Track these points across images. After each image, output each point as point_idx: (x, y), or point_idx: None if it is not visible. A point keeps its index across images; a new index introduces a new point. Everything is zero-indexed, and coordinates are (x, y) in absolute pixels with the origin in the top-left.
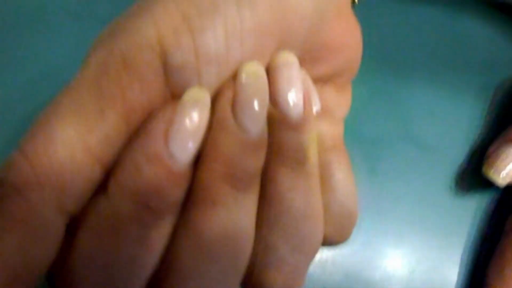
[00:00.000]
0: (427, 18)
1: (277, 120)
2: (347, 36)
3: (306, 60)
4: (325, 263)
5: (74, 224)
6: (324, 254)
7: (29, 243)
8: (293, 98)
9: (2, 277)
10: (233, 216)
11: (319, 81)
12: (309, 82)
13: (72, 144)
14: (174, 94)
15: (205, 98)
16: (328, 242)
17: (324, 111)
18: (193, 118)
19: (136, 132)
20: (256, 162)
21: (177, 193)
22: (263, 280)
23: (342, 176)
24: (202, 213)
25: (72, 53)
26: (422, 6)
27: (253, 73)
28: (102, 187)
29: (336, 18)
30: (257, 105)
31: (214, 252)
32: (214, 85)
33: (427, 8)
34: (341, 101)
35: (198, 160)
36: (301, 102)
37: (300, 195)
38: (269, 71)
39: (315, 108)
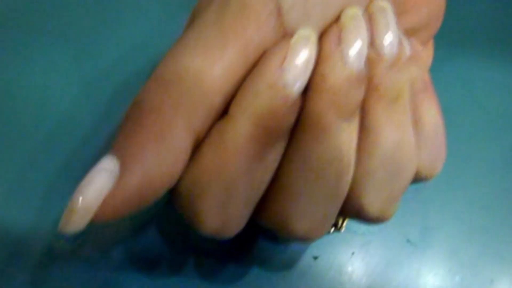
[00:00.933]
0: None
1: (375, 60)
2: None
3: (396, 12)
4: None
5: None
6: None
7: (164, 155)
8: (389, 40)
9: (141, 184)
10: (338, 141)
11: (405, 33)
12: (400, 29)
13: (200, 72)
14: (285, 35)
15: (313, 37)
16: (419, 176)
17: (414, 57)
18: (304, 54)
19: (253, 66)
20: (358, 95)
21: (290, 118)
22: (361, 204)
23: (432, 116)
24: (311, 138)
25: (160, 28)
26: None
27: (355, 15)
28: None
29: None
30: (360, 43)
31: (321, 173)
32: (319, 26)
33: None
34: (424, 54)
35: (306, 92)
36: (396, 44)
37: (395, 129)
38: (367, 16)
39: (407, 51)
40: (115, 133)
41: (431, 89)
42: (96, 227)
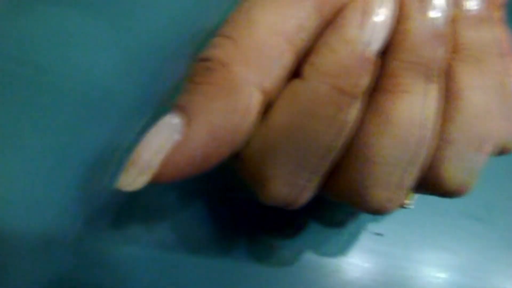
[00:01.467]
0: None
1: (458, 17)
2: None
3: None
4: None
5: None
6: None
7: (232, 111)
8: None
9: (207, 141)
10: (420, 104)
11: None
12: None
13: (272, 28)
14: None
15: None
16: (504, 148)
17: (495, 17)
18: (384, 10)
19: (329, 24)
20: (443, 53)
21: (367, 77)
22: (440, 173)
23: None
24: (392, 100)
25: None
26: None
27: None
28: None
29: None
30: (441, 1)
31: (401, 137)
32: None
33: None
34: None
35: (386, 51)
36: (481, 3)
37: (481, 93)
38: None
39: (490, 10)
40: (162, 104)
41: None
42: (141, 200)
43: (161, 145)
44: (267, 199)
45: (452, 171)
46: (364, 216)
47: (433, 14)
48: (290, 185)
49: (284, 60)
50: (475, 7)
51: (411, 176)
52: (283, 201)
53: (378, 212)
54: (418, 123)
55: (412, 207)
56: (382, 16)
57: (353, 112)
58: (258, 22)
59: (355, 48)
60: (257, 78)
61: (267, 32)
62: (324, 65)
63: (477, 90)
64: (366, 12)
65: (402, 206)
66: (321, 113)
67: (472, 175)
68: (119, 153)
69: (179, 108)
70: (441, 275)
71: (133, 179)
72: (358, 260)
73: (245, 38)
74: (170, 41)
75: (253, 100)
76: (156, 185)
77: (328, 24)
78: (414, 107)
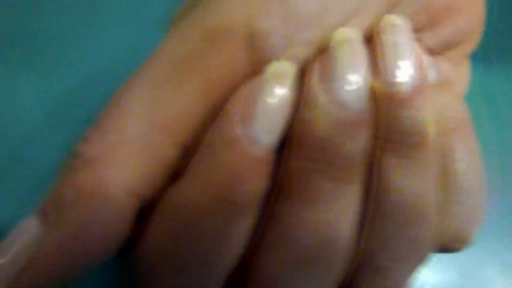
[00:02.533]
0: None
1: (384, 96)
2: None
3: (423, 23)
4: None
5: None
6: None
7: (93, 220)
8: (401, 67)
9: (59, 249)
10: (331, 214)
11: (434, 51)
12: (422, 50)
13: (146, 119)
14: (258, 69)
15: (291, 72)
16: (442, 248)
17: (443, 84)
18: (276, 96)
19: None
20: (357, 145)
21: (259, 183)
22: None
23: (466, 166)
24: (293, 210)
25: (127, 52)
26: None
27: (347, 39)
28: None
29: None
30: (355, 76)
31: (306, 257)
32: (304, 56)
33: None
34: (457, 77)
35: (285, 145)
36: (411, 72)
37: (412, 189)
38: (374, 37)
39: (431, 79)
40: None
41: (466, 127)
42: None
43: (17, 251)
44: None
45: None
46: None
47: (341, 97)
48: None
49: (162, 156)
50: (405, 80)
51: None
52: None
53: None
54: (329, 238)
55: None
56: (273, 103)
57: (245, 223)
58: (130, 113)
59: (238, 149)
60: (128, 180)
61: (141, 124)
62: (204, 171)
63: (407, 186)
64: (252, 100)
65: None
66: (198, 226)
67: (398, 285)
68: None
69: (40, 214)
70: None
71: None
72: None
73: (113, 131)
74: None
75: (123, 207)
76: None
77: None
78: (322, 217)
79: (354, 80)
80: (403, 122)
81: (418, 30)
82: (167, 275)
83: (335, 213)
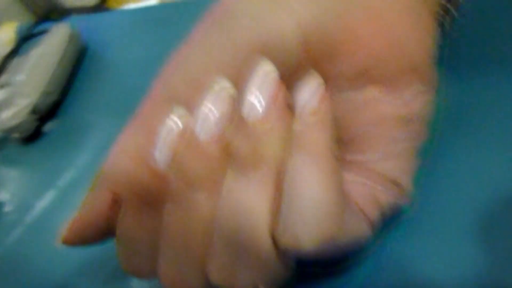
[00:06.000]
0: None
1: (237, 123)
2: (376, 36)
3: (316, 57)
4: None
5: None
6: None
7: (90, 210)
8: (252, 101)
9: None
10: (186, 214)
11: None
12: (281, 86)
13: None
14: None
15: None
16: (282, 249)
17: (313, 113)
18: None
19: None
20: (203, 166)
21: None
22: (208, 270)
23: (310, 187)
24: (170, 207)
25: None
26: None
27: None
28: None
29: (364, 18)
30: (210, 113)
31: (178, 241)
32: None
33: None
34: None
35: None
36: (262, 104)
37: (240, 199)
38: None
39: (280, 110)
40: None
41: (321, 155)
42: None
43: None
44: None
45: (214, 269)
46: None
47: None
48: (130, 266)
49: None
50: (251, 112)
51: (191, 270)
52: (132, 276)
53: None
54: (185, 232)
55: None
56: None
57: (153, 215)
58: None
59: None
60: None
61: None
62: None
63: (241, 195)
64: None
65: None
66: (124, 215)
67: (236, 273)
68: None
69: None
70: None
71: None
72: None
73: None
74: None
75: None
76: None
77: None
78: (180, 216)
79: (210, 116)
80: (243, 146)
81: (316, 64)
82: (121, 249)
83: (188, 213)
